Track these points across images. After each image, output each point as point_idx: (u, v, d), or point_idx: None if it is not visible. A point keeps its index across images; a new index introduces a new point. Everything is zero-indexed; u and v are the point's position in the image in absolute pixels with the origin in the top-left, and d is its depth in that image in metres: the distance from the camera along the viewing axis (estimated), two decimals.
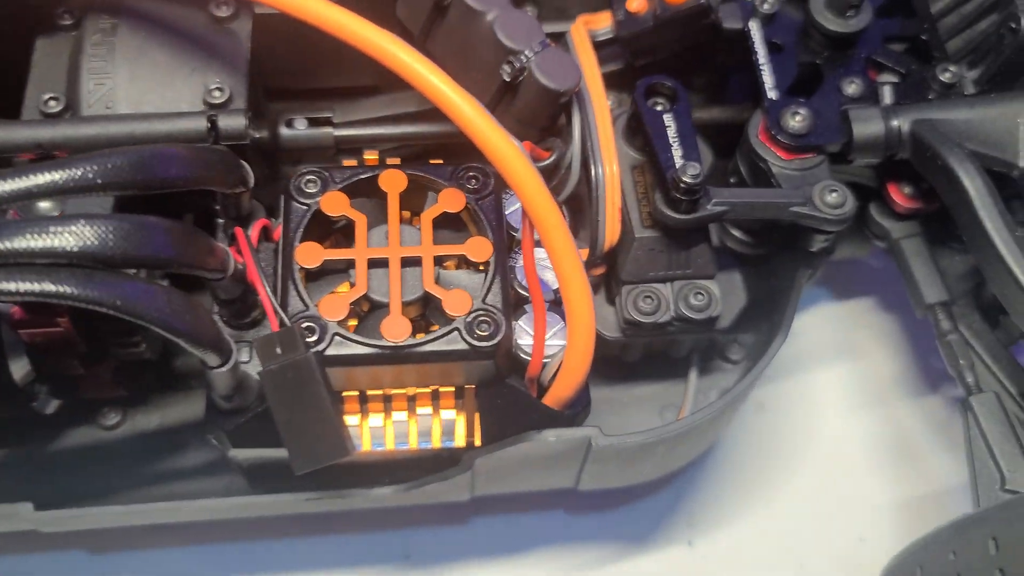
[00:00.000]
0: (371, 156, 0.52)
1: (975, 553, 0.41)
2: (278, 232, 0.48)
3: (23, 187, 0.38)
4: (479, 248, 0.46)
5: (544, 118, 0.49)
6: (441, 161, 0.50)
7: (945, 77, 0.54)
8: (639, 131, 0.52)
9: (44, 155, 0.47)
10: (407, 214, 0.49)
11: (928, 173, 0.51)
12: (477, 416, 0.48)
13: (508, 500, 0.60)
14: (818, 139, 0.52)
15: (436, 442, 0.48)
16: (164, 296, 0.40)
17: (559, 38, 0.53)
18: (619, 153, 0.51)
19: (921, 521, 0.60)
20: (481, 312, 0.44)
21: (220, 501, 0.50)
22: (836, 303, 0.68)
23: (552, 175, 0.49)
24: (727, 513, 0.61)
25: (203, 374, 0.44)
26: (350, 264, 0.46)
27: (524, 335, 0.47)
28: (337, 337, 0.44)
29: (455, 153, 0.52)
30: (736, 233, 0.57)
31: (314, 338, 0.44)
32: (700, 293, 0.50)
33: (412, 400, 0.47)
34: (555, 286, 0.48)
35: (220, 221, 0.49)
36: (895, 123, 0.51)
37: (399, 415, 0.47)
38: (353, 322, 0.46)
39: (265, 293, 0.44)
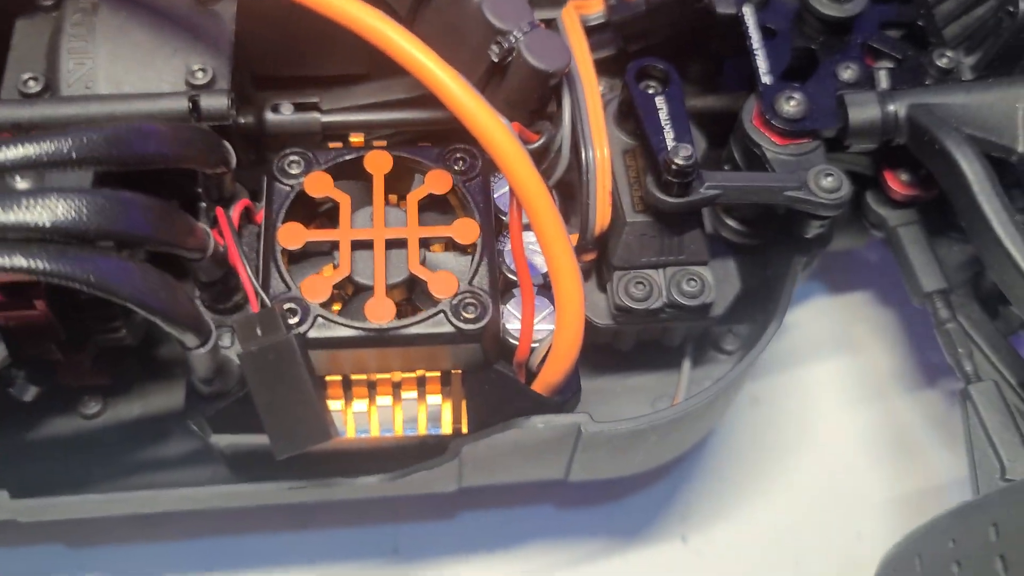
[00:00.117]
0: (357, 139, 0.51)
1: (975, 540, 0.40)
2: (261, 215, 0.47)
3: None
4: (466, 230, 0.45)
5: (534, 100, 0.48)
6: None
7: (942, 63, 0.53)
8: (630, 115, 0.51)
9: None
10: (394, 198, 0.48)
11: (925, 158, 0.50)
12: (464, 403, 0.47)
13: (497, 494, 0.59)
14: (813, 124, 0.51)
15: (422, 429, 0.47)
16: (139, 273, 0.39)
17: (550, 25, 0.53)
18: (610, 137, 0.50)
19: (919, 516, 0.57)
20: (468, 294, 0.43)
21: (201, 490, 0.49)
22: (832, 297, 0.67)
23: (541, 159, 0.49)
24: (721, 508, 0.60)
25: (186, 363, 0.43)
26: (334, 246, 0.45)
27: (512, 319, 0.46)
28: (320, 319, 0.43)
29: (445, 140, 0.50)
30: (730, 223, 0.56)
31: (296, 320, 0.43)
32: (693, 279, 0.49)
33: (397, 386, 0.46)
34: (544, 270, 0.47)
35: (203, 205, 0.48)
36: (892, 108, 0.50)
37: (384, 400, 0.46)
38: (337, 306, 0.45)
39: (246, 273, 0.43)
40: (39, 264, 0.36)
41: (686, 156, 0.46)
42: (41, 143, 0.38)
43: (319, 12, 0.44)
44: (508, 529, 0.59)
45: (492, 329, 0.44)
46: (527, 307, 0.44)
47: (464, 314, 0.43)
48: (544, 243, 0.42)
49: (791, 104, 0.51)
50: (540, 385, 0.45)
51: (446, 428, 0.47)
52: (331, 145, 0.50)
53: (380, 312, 0.43)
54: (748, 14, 0.53)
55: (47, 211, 0.36)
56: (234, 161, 0.45)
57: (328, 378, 0.45)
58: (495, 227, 0.47)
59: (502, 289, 0.47)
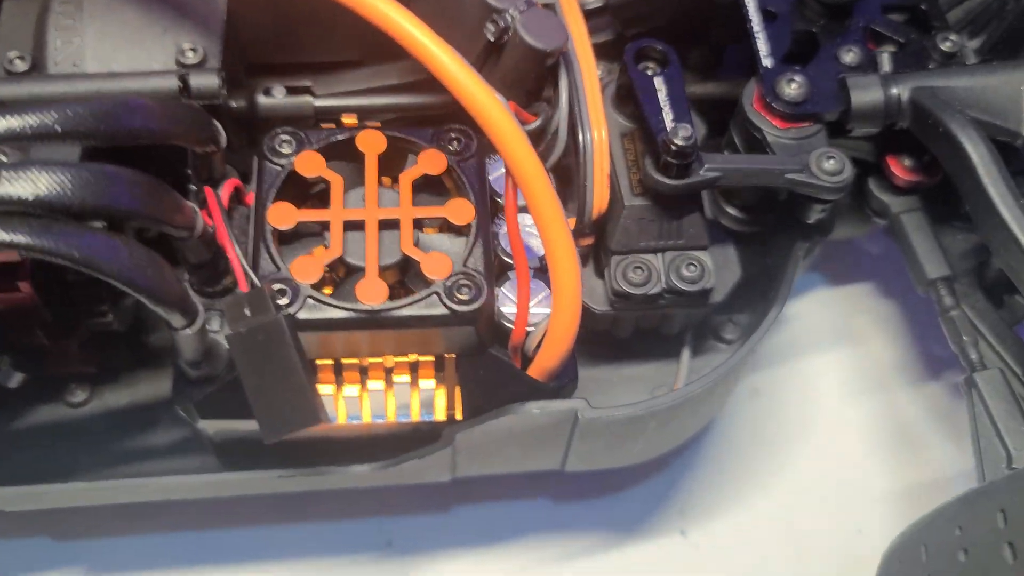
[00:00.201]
0: (350, 120, 0.50)
1: (983, 527, 0.39)
2: (251, 197, 0.46)
3: None
4: (460, 210, 0.44)
5: (530, 80, 0.47)
6: None
7: (946, 46, 0.52)
8: (629, 97, 0.50)
9: None
10: (387, 180, 0.47)
11: (929, 141, 0.49)
12: (458, 388, 0.45)
13: (492, 486, 0.58)
14: (815, 107, 0.50)
15: (415, 415, 0.46)
16: (125, 250, 0.38)
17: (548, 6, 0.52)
18: (608, 121, 0.49)
19: (922, 510, 0.56)
20: (462, 276, 0.42)
21: (189, 478, 0.48)
22: (834, 288, 0.66)
23: (538, 141, 0.48)
24: (721, 502, 0.59)
25: (174, 347, 0.42)
26: (325, 227, 0.44)
27: (507, 303, 0.45)
28: (310, 300, 0.42)
29: (440, 125, 0.50)
30: (730, 210, 0.55)
31: (285, 301, 0.42)
32: (692, 264, 0.48)
33: (390, 371, 0.45)
34: (540, 253, 0.46)
35: (193, 188, 0.47)
36: (894, 91, 0.50)
37: (375, 385, 0.45)
38: (328, 290, 0.44)
39: (234, 252, 0.42)
40: (21, 238, 0.35)
41: (685, 136, 0.45)
42: (24, 115, 0.37)
43: None
44: (503, 523, 0.58)
45: (487, 312, 0.43)
46: (523, 290, 0.43)
47: (458, 295, 0.42)
48: (540, 222, 0.41)
49: (792, 87, 0.50)
50: (536, 370, 0.44)
51: (439, 414, 0.46)
52: (324, 126, 0.49)
53: (372, 293, 0.42)
54: None
55: (29, 184, 0.35)
56: (224, 140, 0.45)
57: (319, 362, 0.44)
58: (491, 210, 0.46)
59: (497, 273, 0.46)
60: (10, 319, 0.45)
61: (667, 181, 0.47)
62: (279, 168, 0.45)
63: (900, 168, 0.53)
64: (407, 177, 0.45)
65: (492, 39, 0.46)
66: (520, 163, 0.41)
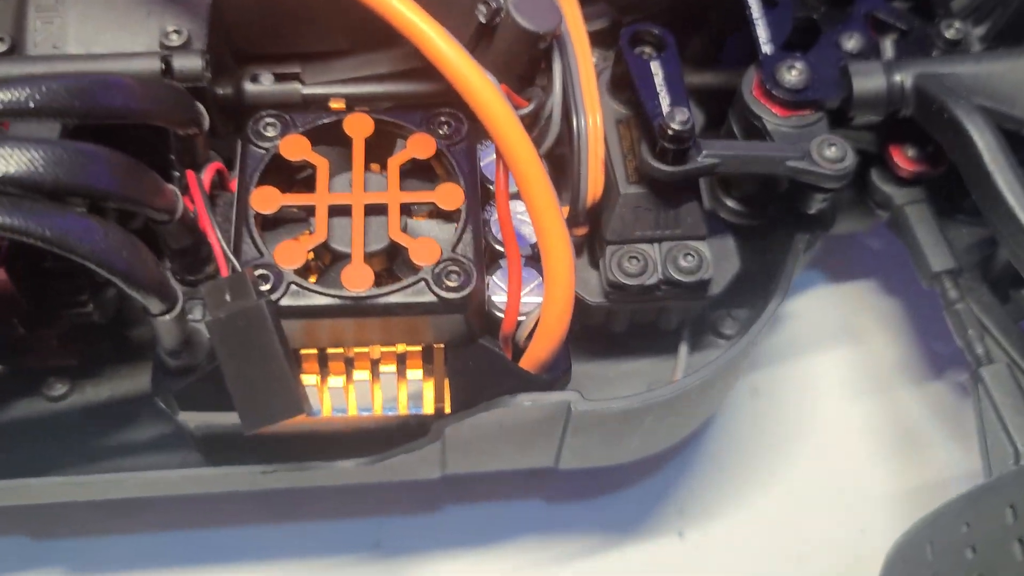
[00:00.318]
0: (338, 104, 0.49)
1: (991, 523, 0.37)
2: (235, 184, 0.44)
3: None
4: (450, 195, 0.43)
5: (523, 64, 0.46)
6: None
7: (950, 34, 0.51)
8: (624, 83, 0.49)
9: None
10: (376, 167, 0.46)
11: (934, 129, 0.48)
12: (447, 381, 0.44)
13: (483, 485, 0.56)
14: (815, 94, 0.48)
15: (402, 408, 0.44)
16: (101, 231, 0.36)
17: None
18: (603, 108, 0.48)
19: (925, 511, 0.55)
20: (451, 262, 0.41)
21: (169, 474, 0.47)
22: (835, 285, 0.65)
23: (531, 127, 0.46)
24: (720, 502, 0.58)
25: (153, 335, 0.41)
26: (310, 213, 0.43)
27: (498, 291, 0.44)
28: (293, 286, 0.40)
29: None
30: (729, 203, 0.53)
31: (268, 287, 0.40)
32: (690, 254, 0.47)
33: (376, 363, 0.44)
34: (532, 240, 0.45)
35: (176, 174, 0.45)
36: (898, 77, 0.48)
37: (361, 375, 0.43)
38: (313, 278, 0.43)
39: (215, 236, 0.40)
40: None
41: (682, 120, 0.44)
42: None
43: None
44: (495, 523, 0.56)
45: (476, 299, 0.41)
46: (514, 277, 0.42)
47: (447, 282, 0.41)
48: (532, 206, 0.40)
49: (793, 73, 0.48)
50: (528, 362, 0.43)
51: (428, 407, 0.45)
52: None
53: (357, 279, 0.40)
54: None
55: (0, 161, 0.34)
56: (207, 123, 0.43)
57: (303, 352, 0.43)
58: (481, 197, 0.45)
59: (488, 262, 0.45)
60: None
61: (664, 168, 0.45)
62: (263, 151, 0.44)
63: (903, 158, 0.52)
64: (395, 161, 0.44)
65: (484, 21, 0.45)
66: (512, 145, 0.40)
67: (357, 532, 0.56)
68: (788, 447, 0.59)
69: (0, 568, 0.54)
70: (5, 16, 0.47)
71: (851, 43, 0.50)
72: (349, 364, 0.43)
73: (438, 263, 0.41)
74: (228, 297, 0.39)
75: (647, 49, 0.49)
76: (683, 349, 0.53)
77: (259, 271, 0.40)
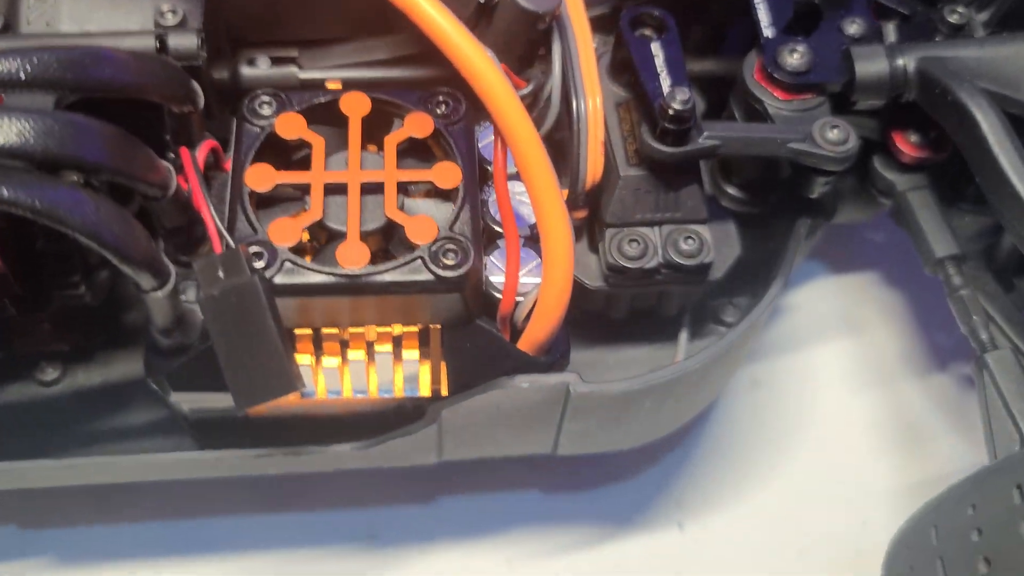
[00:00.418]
0: (334, 84, 0.48)
1: (998, 505, 0.37)
2: (229, 163, 0.44)
3: None
4: (447, 173, 0.42)
5: (522, 45, 0.46)
6: None
7: (953, 18, 0.51)
8: (624, 67, 0.48)
9: None
10: (373, 148, 0.45)
11: (937, 112, 0.47)
12: (443, 362, 0.43)
13: (479, 476, 0.56)
14: (818, 77, 0.48)
15: (398, 391, 0.44)
16: (91, 203, 0.36)
17: None
18: (603, 90, 0.47)
19: None
20: (448, 240, 0.40)
21: (162, 457, 0.46)
22: (836, 277, 0.65)
23: (530, 108, 0.46)
24: (720, 494, 0.57)
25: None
26: (306, 192, 0.42)
27: (496, 272, 0.43)
28: (287, 264, 0.40)
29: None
30: (730, 190, 0.53)
31: (262, 264, 0.39)
32: (691, 238, 0.46)
33: (371, 345, 0.43)
34: (531, 221, 0.44)
35: (171, 155, 0.45)
36: (900, 61, 0.48)
37: (356, 356, 0.43)
38: (308, 258, 0.42)
39: (209, 213, 0.40)
40: None
41: (683, 100, 0.43)
42: None
43: None
44: (492, 514, 0.56)
45: (474, 278, 0.41)
46: (512, 256, 0.41)
47: (444, 260, 0.40)
48: (531, 185, 0.40)
49: (795, 57, 0.48)
50: (526, 343, 0.42)
51: (424, 390, 0.44)
52: None
53: (353, 257, 0.40)
54: None
55: None
56: (201, 101, 0.43)
57: (297, 332, 0.42)
58: (479, 178, 0.44)
59: (486, 243, 0.44)
60: None
61: (664, 149, 0.45)
62: (258, 130, 0.43)
63: (906, 144, 0.51)
64: (392, 140, 0.43)
65: (482, 1, 0.44)
66: (512, 123, 0.39)
67: (352, 523, 0.55)
68: (789, 439, 0.59)
69: None
70: None
71: (853, 28, 0.50)
72: (344, 345, 0.43)
73: (435, 241, 0.40)
74: (221, 273, 0.38)
75: (648, 31, 0.48)
76: (683, 336, 0.52)
77: (253, 248, 0.40)
